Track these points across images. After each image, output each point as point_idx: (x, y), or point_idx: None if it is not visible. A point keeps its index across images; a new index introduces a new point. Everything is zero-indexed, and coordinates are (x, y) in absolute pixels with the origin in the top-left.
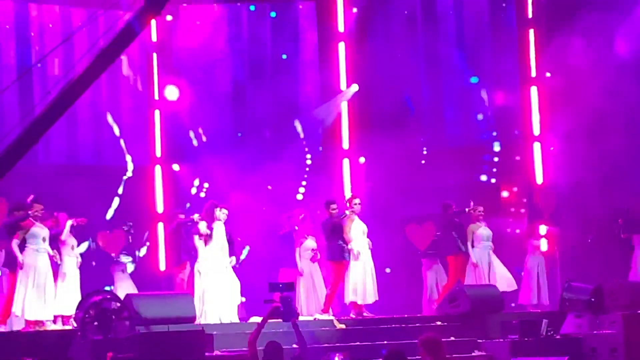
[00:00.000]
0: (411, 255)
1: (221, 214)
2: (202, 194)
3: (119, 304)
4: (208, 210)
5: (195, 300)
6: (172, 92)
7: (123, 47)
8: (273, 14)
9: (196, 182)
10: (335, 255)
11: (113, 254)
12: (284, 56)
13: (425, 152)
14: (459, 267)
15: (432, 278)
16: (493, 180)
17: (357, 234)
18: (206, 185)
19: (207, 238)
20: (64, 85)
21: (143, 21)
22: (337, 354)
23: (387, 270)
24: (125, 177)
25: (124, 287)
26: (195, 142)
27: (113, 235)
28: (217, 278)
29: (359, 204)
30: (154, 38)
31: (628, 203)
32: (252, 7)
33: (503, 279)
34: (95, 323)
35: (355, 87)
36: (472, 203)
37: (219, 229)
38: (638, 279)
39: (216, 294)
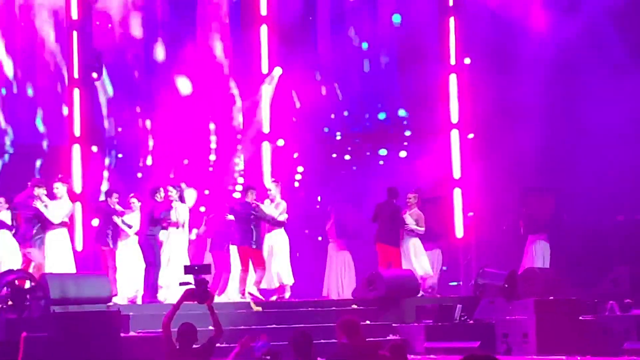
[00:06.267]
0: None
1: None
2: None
3: (33, 283)
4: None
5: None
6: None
7: None
8: None
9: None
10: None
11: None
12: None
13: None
14: (391, 258)
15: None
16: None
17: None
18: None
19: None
20: None
21: None
22: (261, 340)
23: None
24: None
25: None
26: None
27: None
28: None
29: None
30: (74, 16)
31: (526, 205)
32: None
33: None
34: (10, 302)
35: (279, 70)
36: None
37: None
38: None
39: None
